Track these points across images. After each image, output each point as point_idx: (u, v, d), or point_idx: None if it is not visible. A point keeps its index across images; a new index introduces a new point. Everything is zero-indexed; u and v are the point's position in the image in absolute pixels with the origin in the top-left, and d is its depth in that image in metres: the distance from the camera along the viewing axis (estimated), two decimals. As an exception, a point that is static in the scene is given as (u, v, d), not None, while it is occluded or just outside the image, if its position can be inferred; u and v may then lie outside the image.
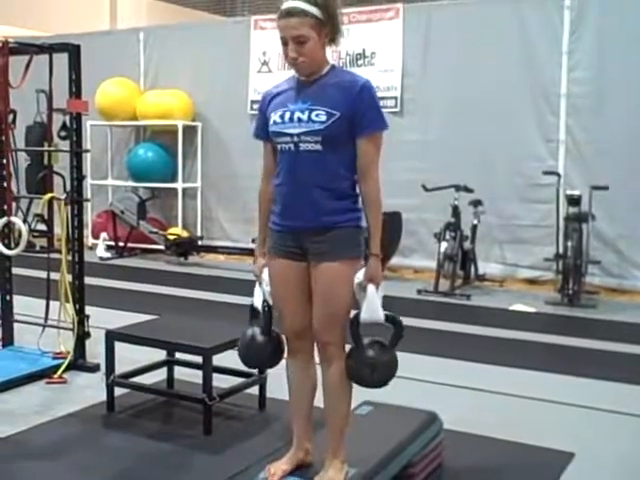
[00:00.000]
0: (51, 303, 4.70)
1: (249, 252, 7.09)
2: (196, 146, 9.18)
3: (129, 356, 4.06)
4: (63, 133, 5.05)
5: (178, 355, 4.10)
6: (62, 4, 14.17)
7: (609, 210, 6.78)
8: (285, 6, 2.54)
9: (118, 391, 3.86)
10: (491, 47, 7.32)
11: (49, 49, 4.61)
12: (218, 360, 3.63)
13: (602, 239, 6.93)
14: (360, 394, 2.93)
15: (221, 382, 3.77)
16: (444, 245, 6.85)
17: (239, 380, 3.86)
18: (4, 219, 4.52)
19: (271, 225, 2.76)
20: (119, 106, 9.08)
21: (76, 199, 4.56)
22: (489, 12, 7.38)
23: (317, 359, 2.75)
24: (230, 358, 3.46)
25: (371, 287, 2.60)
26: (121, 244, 8.92)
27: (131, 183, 9.33)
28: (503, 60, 7.27)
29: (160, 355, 4.13)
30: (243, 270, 7.43)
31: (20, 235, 4.48)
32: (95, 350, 4.49)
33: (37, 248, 7.42)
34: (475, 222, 7.19)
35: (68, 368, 4.39)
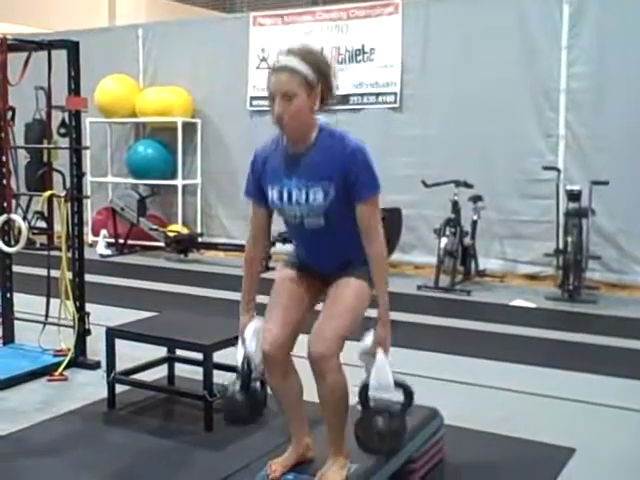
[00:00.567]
0: (51, 300, 4.70)
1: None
2: (196, 143, 9.17)
3: (130, 353, 4.06)
4: (62, 130, 5.06)
5: (179, 352, 4.11)
6: (61, 1, 14.16)
7: (609, 205, 6.77)
8: (277, 63, 2.54)
9: (119, 388, 3.87)
10: (490, 42, 7.30)
11: (48, 46, 4.60)
12: (218, 357, 3.63)
13: (602, 234, 6.92)
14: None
15: (222, 379, 3.76)
16: (444, 241, 6.83)
17: (240, 377, 3.86)
18: (4, 216, 4.51)
19: (294, 255, 2.87)
20: (118, 103, 9.06)
21: (76, 196, 4.55)
22: (488, 7, 7.36)
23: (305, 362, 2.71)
24: (230, 355, 3.45)
25: (380, 353, 2.57)
26: (121, 241, 8.91)
27: (131, 180, 9.31)
28: (502, 55, 7.25)
29: (161, 352, 4.13)
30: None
31: (20, 232, 4.47)
32: (96, 347, 4.49)
33: (37, 245, 7.46)
34: (475, 218, 7.18)
35: (69, 365, 4.39)
